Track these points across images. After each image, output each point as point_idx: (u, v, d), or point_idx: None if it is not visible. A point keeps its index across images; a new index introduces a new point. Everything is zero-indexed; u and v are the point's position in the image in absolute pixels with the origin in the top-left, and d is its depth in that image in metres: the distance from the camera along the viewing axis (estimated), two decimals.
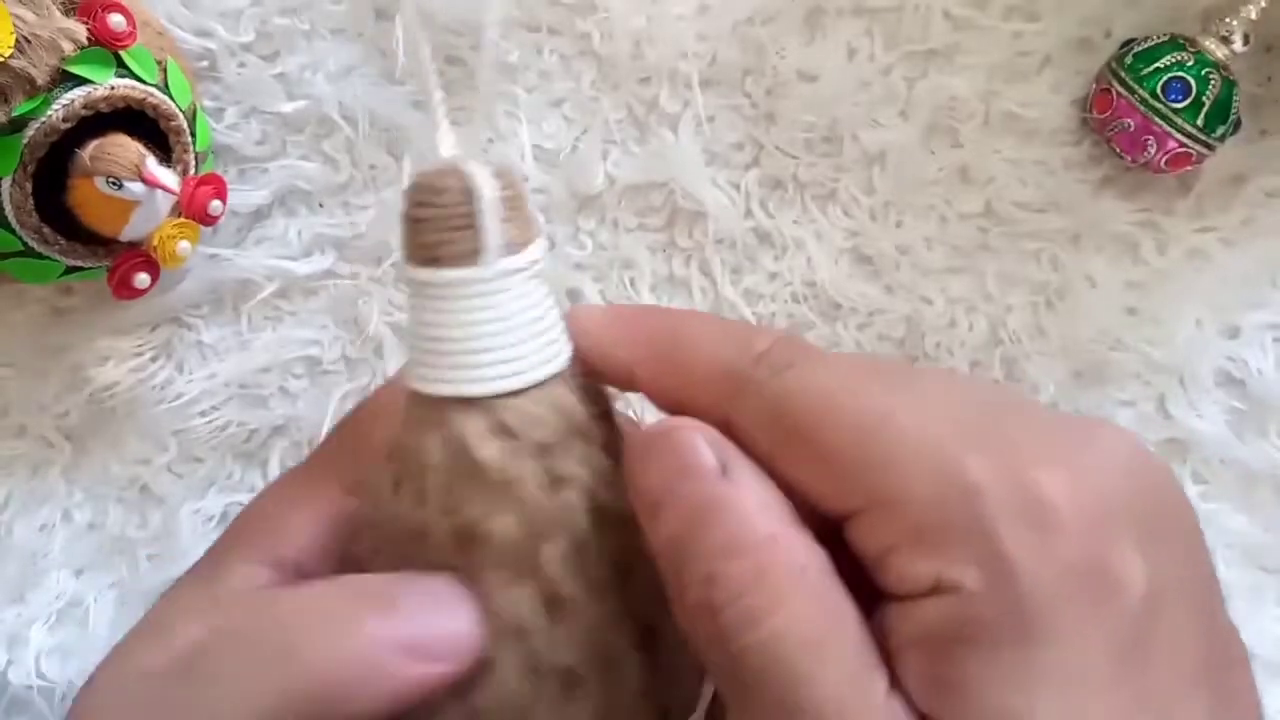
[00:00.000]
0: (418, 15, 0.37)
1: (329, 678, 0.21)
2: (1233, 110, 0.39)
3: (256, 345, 0.40)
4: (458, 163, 0.23)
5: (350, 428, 0.27)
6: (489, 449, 0.23)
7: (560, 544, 0.23)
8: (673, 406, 0.24)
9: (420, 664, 0.21)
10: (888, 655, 0.21)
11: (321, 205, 0.40)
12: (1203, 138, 0.38)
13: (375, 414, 0.27)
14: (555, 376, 0.24)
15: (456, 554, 0.23)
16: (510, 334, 0.23)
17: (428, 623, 0.22)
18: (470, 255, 0.23)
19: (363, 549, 0.24)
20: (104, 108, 0.34)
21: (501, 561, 0.23)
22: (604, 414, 0.25)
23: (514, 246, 0.23)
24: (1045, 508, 0.20)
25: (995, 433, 0.21)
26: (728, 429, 0.22)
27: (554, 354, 0.24)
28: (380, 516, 0.24)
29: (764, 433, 0.22)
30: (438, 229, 0.23)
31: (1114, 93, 0.39)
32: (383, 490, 0.24)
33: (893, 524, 0.21)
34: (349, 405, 0.40)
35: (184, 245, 0.36)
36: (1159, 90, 0.38)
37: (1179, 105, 0.38)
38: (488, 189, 0.23)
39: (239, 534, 0.25)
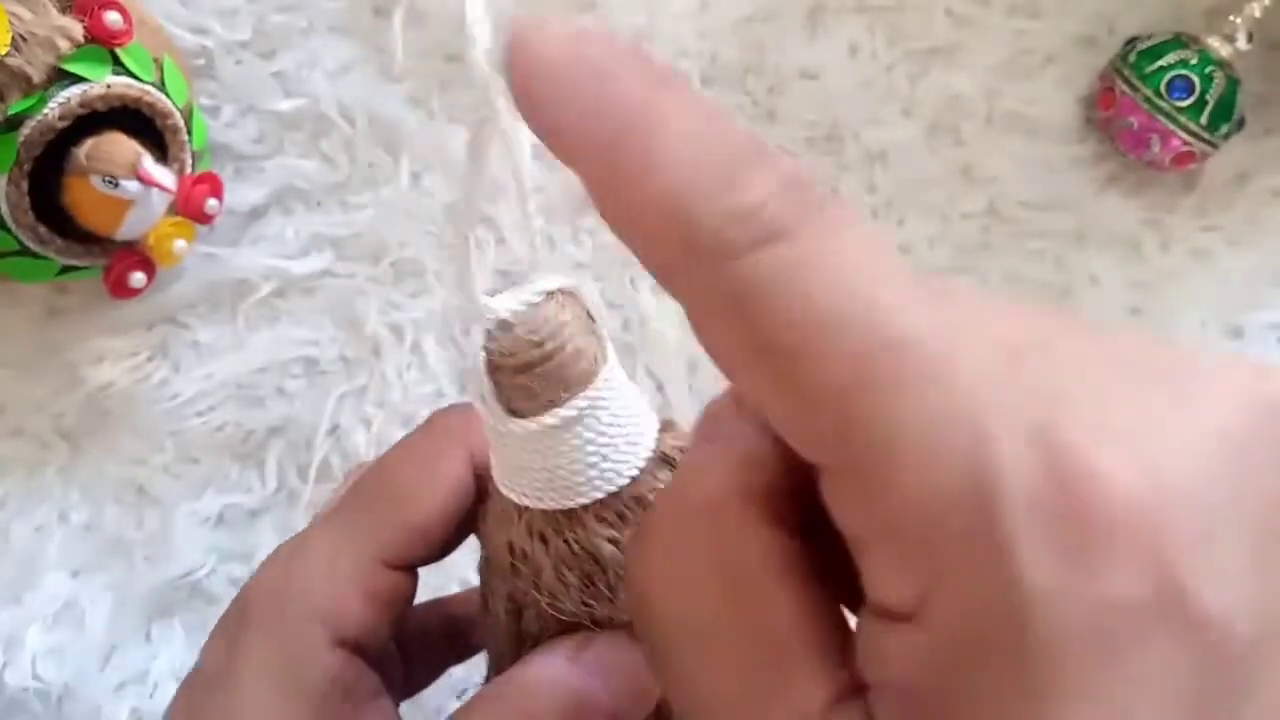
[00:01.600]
0: (411, 15, 0.37)
1: None
2: (1236, 108, 0.39)
3: (253, 345, 0.40)
4: (551, 292, 0.23)
5: (370, 502, 0.27)
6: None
7: None
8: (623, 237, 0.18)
9: None
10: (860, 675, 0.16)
11: (319, 204, 0.40)
12: (1206, 136, 0.38)
13: (386, 493, 0.27)
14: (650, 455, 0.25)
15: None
16: (620, 429, 0.23)
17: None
18: (589, 375, 0.23)
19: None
20: (100, 106, 0.33)
21: None
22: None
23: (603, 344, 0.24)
24: (1091, 512, 0.13)
25: (1049, 388, 0.14)
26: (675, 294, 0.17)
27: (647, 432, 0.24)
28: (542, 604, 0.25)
29: (719, 325, 0.16)
30: (556, 365, 0.22)
31: (1117, 91, 0.39)
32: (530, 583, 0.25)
33: (872, 504, 0.14)
34: (346, 405, 0.40)
35: (180, 244, 0.36)
36: (1163, 88, 0.38)
37: (1183, 103, 0.38)
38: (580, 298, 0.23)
39: (300, 611, 0.25)
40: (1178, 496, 0.14)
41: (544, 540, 0.24)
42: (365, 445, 0.39)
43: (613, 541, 0.24)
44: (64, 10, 0.33)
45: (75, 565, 0.40)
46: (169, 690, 0.39)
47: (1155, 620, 0.13)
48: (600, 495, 0.23)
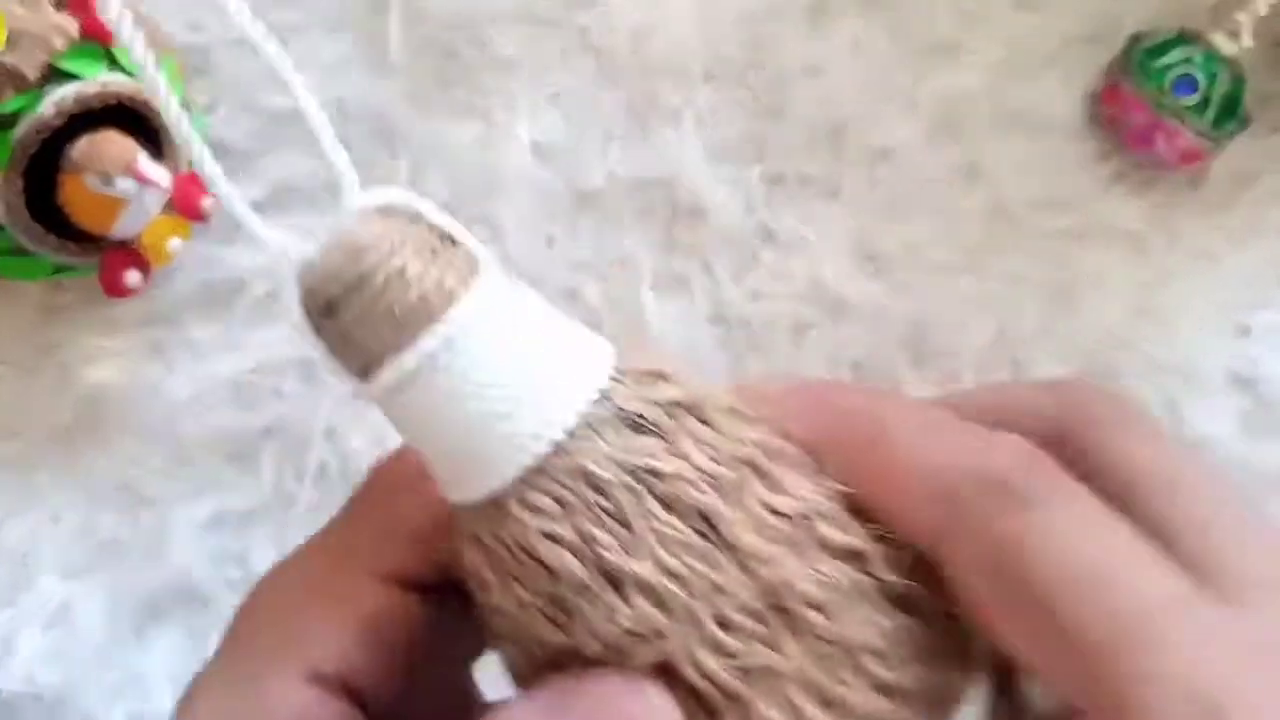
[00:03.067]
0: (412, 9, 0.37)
1: None
2: (1242, 106, 0.39)
3: (249, 344, 0.39)
4: (377, 211, 0.19)
5: (370, 500, 0.24)
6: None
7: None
8: (871, 513, 0.20)
9: None
10: None
11: (315, 201, 0.39)
12: (1211, 134, 0.38)
13: (393, 484, 0.24)
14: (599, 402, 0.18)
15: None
16: (517, 374, 0.18)
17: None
18: (430, 306, 0.18)
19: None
20: (95, 104, 0.33)
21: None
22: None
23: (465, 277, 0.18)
24: None
25: None
26: (935, 557, 0.19)
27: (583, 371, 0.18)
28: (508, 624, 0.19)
29: (980, 581, 0.18)
30: (370, 299, 0.18)
31: (1122, 88, 0.39)
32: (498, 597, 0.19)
33: None
34: (340, 407, 0.40)
35: (175, 242, 0.36)
36: (1167, 86, 0.38)
37: (1188, 102, 0.38)
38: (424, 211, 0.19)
39: (269, 638, 0.22)
40: None
41: (480, 546, 0.19)
42: (361, 447, 0.39)
43: (552, 537, 0.18)
44: (58, 7, 0.33)
45: (69, 567, 0.40)
46: (163, 692, 0.39)
47: None
48: (517, 471, 0.18)
